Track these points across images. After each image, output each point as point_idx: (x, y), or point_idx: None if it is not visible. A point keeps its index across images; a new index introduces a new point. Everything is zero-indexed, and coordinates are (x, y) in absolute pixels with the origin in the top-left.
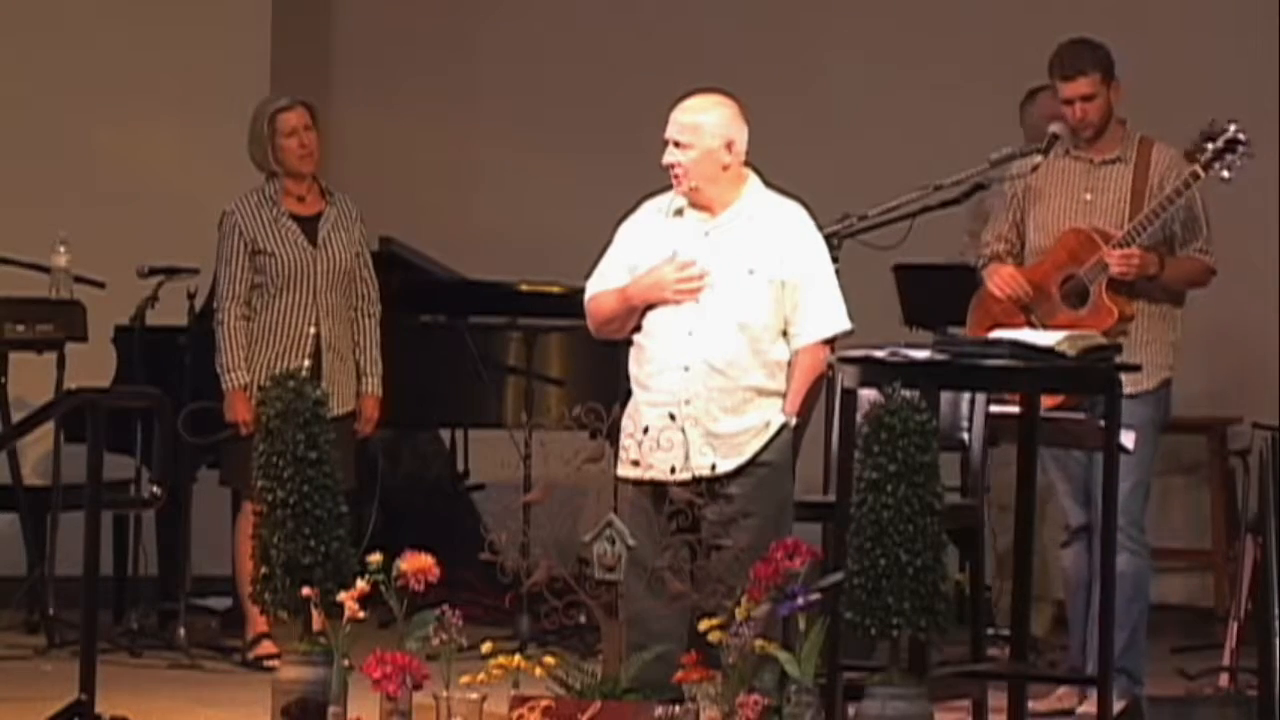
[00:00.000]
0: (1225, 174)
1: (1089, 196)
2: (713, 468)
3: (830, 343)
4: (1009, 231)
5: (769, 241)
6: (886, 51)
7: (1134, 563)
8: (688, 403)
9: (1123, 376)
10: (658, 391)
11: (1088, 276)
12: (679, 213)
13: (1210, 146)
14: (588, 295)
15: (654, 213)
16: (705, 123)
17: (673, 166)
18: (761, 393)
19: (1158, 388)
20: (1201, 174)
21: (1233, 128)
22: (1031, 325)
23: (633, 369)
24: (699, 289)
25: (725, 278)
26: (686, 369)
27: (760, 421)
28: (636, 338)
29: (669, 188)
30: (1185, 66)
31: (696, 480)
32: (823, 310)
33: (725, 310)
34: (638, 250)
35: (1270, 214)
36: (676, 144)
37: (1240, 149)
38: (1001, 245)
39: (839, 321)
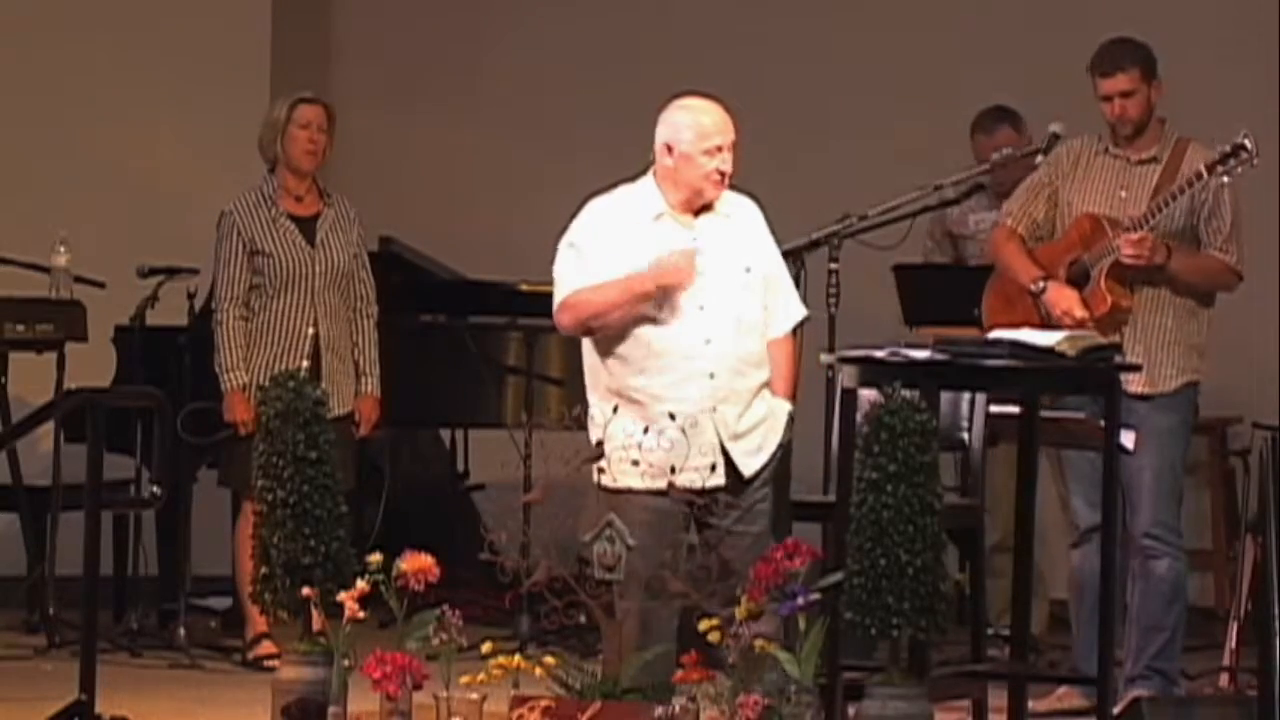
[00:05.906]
0: (1225, 179)
1: (1124, 194)
2: (735, 468)
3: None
4: (1035, 212)
5: (748, 237)
6: (886, 50)
7: (1174, 567)
8: (714, 409)
9: (1138, 377)
10: (680, 402)
11: (1091, 261)
12: (658, 217)
13: (1220, 149)
14: (568, 290)
15: (629, 212)
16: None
17: (724, 174)
18: (761, 385)
19: (1179, 390)
20: (1205, 174)
21: (1241, 134)
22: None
23: (638, 382)
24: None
25: (724, 278)
26: (712, 376)
27: (764, 411)
28: (636, 352)
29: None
30: (1183, 68)
31: (737, 480)
32: (792, 299)
33: (733, 311)
34: (626, 252)
35: (1270, 214)
36: (725, 149)
37: (1243, 154)
38: (1021, 226)
39: (800, 308)
